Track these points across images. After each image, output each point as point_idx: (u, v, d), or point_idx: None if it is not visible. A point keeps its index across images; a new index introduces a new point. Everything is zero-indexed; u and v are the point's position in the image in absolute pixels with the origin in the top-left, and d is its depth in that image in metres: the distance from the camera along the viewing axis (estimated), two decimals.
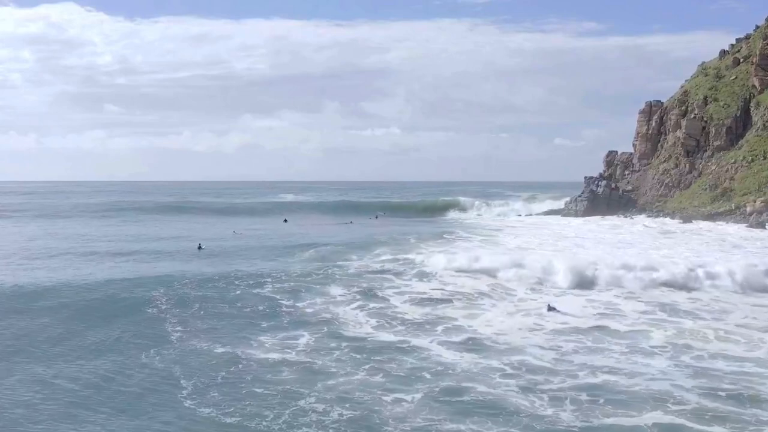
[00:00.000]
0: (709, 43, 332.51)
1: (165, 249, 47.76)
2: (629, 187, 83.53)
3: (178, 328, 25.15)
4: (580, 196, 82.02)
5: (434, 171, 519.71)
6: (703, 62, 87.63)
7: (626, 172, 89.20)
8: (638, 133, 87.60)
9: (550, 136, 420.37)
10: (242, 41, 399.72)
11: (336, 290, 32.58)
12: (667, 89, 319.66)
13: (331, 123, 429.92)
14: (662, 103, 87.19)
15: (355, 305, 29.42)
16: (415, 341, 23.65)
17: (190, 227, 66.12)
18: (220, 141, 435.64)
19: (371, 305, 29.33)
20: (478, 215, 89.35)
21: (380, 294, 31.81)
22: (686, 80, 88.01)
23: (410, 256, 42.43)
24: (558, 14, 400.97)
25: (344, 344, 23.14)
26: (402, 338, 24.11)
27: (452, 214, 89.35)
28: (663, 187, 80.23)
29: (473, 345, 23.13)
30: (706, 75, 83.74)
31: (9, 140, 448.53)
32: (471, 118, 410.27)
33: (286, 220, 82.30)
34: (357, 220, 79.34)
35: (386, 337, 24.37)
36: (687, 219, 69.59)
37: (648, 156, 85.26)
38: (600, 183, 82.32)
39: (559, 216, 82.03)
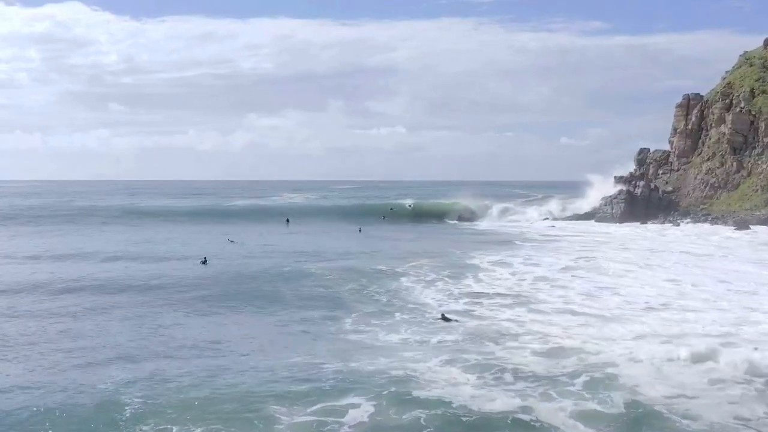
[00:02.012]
0: (714, 42, 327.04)
1: (165, 263, 40.05)
2: (669, 188, 76.22)
3: None
4: (615, 197, 74.55)
5: (439, 170, 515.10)
6: (746, 51, 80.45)
7: (660, 171, 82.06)
8: (675, 129, 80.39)
9: (555, 135, 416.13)
10: (248, 40, 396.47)
11: (408, 333, 24.74)
12: (672, 88, 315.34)
13: (335, 122, 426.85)
14: (702, 96, 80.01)
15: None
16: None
17: (186, 237, 58.10)
18: (226, 140, 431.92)
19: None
20: (510, 222, 78.28)
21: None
22: (727, 71, 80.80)
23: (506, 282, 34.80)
24: (563, 13, 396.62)
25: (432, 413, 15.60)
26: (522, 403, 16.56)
27: (477, 221, 79.19)
28: (708, 187, 73.00)
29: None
30: (751, 65, 76.55)
31: (14, 139, 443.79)
32: (476, 117, 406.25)
33: (288, 220, 76.12)
34: (365, 225, 71.54)
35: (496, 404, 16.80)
36: (742, 224, 62.43)
37: (688, 154, 78.03)
38: (638, 183, 74.94)
39: (593, 221, 74.55)
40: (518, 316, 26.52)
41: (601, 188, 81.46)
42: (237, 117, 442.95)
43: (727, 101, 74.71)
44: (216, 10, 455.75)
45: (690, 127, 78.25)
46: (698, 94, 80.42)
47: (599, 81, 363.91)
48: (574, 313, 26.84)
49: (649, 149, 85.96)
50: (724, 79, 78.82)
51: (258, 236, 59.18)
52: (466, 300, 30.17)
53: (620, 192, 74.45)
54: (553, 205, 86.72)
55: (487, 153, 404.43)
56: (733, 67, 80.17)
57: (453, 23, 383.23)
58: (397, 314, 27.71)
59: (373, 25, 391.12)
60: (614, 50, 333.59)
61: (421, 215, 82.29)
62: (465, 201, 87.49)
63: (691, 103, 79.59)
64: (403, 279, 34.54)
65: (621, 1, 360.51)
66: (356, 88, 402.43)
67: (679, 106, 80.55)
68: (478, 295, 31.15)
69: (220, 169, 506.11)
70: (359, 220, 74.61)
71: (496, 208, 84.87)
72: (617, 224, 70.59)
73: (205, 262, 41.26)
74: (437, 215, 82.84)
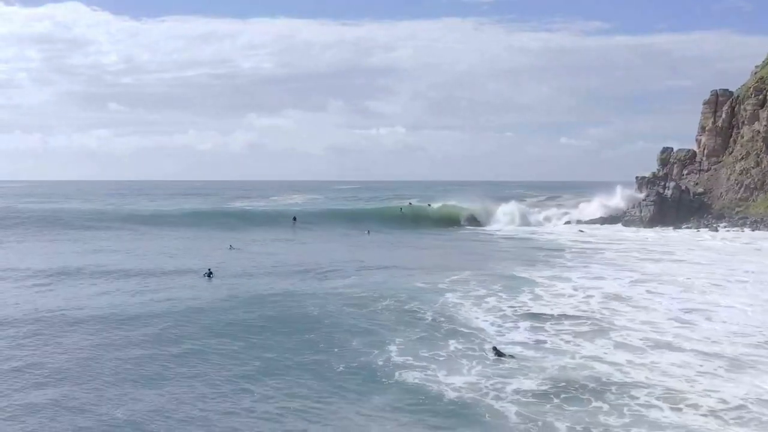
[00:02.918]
0: (715, 43, 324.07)
1: (167, 279, 34.63)
2: (700, 189, 71.43)
3: None
4: (644, 200, 69.73)
5: (439, 170, 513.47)
6: None
7: (685, 172, 77.32)
8: (703, 128, 75.62)
9: (556, 135, 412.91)
10: (248, 40, 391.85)
11: (473, 373, 19.91)
12: (673, 88, 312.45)
13: (336, 122, 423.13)
14: (731, 92, 75.34)
15: None
16: None
17: (187, 244, 52.40)
18: (226, 140, 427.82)
19: None
20: (532, 227, 71.96)
21: None
22: (756, 66, 76.15)
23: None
24: (563, 13, 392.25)
25: None
26: None
27: (492, 225, 73.56)
28: (742, 189, 68.26)
29: None
30: None
31: (14, 139, 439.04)
32: (476, 117, 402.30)
33: (295, 218, 71.82)
34: (371, 227, 66.50)
35: None
36: None
37: (718, 153, 73.31)
38: (668, 185, 70.13)
39: (620, 225, 69.76)
40: (605, 352, 21.38)
41: (621, 191, 76.92)
42: (237, 117, 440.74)
43: (760, 97, 70.05)
44: (216, 10, 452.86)
45: (719, 124, 73.55)
46: (727, 90, 75.75)
47: (599, 81, 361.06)
48: (673, 347, 21.73)
49: (672, 148, 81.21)
50: (755, 74, 74.13)
51: (262, 241, 53.99)
52: (528, 324, 25.22)
53: (649, 194, 69.62)
54: (569, 208, 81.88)
55: (487, 153, 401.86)
56: (763, 61, 75.51)
57: (453, 23, 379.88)
58: (450, 342, 22.84)
59: (373, 25, 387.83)
60: (614, 50, 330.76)
61: (423, 219, 75.63)
62: (473, 204, 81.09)
63: (719, 100, 74.91)
64: (449, 295, 29.45)
65: (621, 2, 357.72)
66: (356, 87, 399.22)
67: (706, 102, 75.85)
68: (541, 317, 26.18)
69: (220, 169, 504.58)
70: (365, 222, 69.48)
71: (509, 210, 78.24)
72: (648, 228, 65.82)
73: (209, 275, 36.19)
74: (447, 218, 76.54)
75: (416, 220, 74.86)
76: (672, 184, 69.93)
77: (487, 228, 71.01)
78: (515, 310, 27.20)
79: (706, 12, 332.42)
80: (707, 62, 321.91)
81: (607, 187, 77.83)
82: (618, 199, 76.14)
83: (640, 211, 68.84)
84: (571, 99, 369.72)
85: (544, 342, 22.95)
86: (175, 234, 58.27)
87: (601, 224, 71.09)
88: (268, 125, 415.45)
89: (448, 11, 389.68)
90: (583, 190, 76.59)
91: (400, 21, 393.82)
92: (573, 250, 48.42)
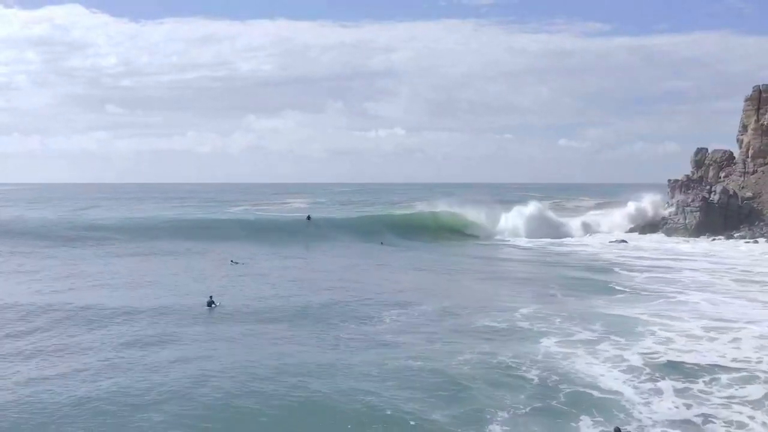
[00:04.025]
0: (715, 43, 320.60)
1: (161, 314, 26.43)
2: (748, 194, 64.40)
3: None
4: (688, 205, 62.61)
5: (438, 172, 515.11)
6: None
7: (722, 174, 70.42)
8: (745, 126, 68.78)
9: (555, 137, 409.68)
10: (248, 42, 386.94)
11: None
12: (673, 89, 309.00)
13: (335, 124, 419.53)
14: None
15: None
16: None
17: (180, 263, 43.40)
18: (225, 142, 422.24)
19: None
20: (560, 240, 62.42)
21: None
22: None
23: None
24: (563, 15, 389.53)
25: None
26: None
27: (511, 237, 64.65)
28: None
29: None
30: None
31: (13, 142, 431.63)
32: (475, 118, 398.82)
33: (309, 217, 66.71)
34: (384, 239, 58.99)
35: None
36: None
37: (765, 153, 66.45)
38: (714, 188, 63.05)
39: (661, 233, 62.63)
40: None
41: (650, 197, 70.20)
42: (236, 119, 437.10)
43: None
44: (215, 12, 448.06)
45: (765, 123, 66.69)
46: None
47: (599, 82, 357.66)
48: None
49: (707, 149, 74.46)
50: None
51: (271, 255, 46.22)
52: (671, 382, 17.99)
53: (694, 199, 62.49)
54: (590, 216, 74.52)
55: (487, 154, 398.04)
56: None
57: (453, 25, 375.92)
58: (581, 419, 15.60)
59: (373, 27, 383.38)
60: (614, 51, 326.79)
61: (430, 227, 66.10)
62: (478, 210, 71.58)
63: (762, 96, 68.04)
64: (546, 341, 21.84)
65: (621, 3, 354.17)
66: (356, 89, 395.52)
67: (748, 99, 69.01)
68: (684, 368, 18.95)
69: (220, 172, 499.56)
70: (376, 230, 62.11)
71: (523, 218, 68.40)
72: (695, 238, 58.79)
73: (211, 304, 28.56)
74: (453, 229, 66.37)
75: (423, 227, 66.19)
76: (719, 187, 62.91)
77: (505, 240, 62.72)
78: (645, 360, 19.75)
79: (706, 13, 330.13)
80: (707, 63, 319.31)
81: (615, 190, 70.87)
82: (647, 204, 69.35)
83: (684, 218, 61.72)
84: (570, 100, 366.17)
85: (711, 417, 15.80)
86: (170, 247, 49.45)
87: (640, 233, 63.92)
88: (267, 127, 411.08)
89: (448, 13, 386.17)
90: (583, 191, 69.34)
91: (399, 23, 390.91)
92: (635, 268, 41.26)
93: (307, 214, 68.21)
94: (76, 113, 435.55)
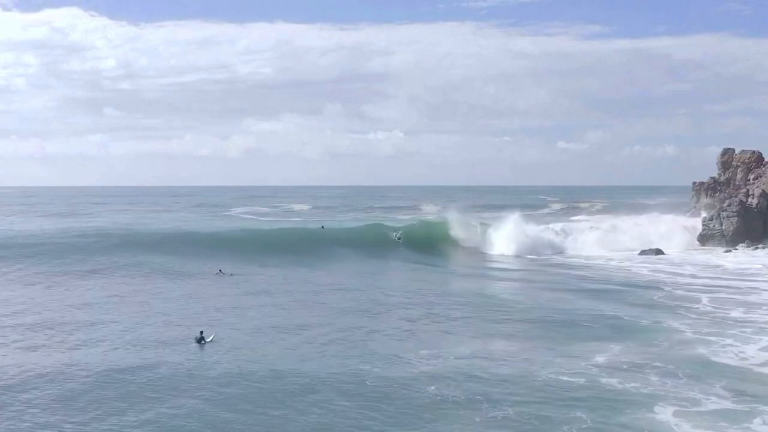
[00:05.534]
0: (713, 46, 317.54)
1: (145, 353, 20.18)
2: None
3: None
4: (724, 210, 57.28)
5: (438, 174, 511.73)
6: None
7: (751, 176, 65.37)
8: None
9: (554, 140, 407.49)
10: (246, 45, 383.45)
11: None
12: (672, 92, 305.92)
13: (334, 126, 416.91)
14: None
15: None
16: None
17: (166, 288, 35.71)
18: (224, 145, 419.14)
19: None
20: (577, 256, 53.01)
21: None
22: None
23: None
24: (562, 18, 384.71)
25: None
26: None
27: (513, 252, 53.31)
28: None
29: None
30: None
31: (11, 144, 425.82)
32: (474, 121, 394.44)
33: (323, 227, 61.93)
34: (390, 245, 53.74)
35: None
36: None
37: None
38: (752, 192, 57.81)
39: (695, 241, 57.28)
40: None
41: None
42: (234, 122, 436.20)
43: None
44: (214, 15, 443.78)
45: None
46: None
47: (598, 85, 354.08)
48: None
49: (733, 150, 69.61)
50: None
51: (275, 269, 40.32)
52: None
53: (730, 203, 57.15)
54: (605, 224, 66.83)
55: (485, 157, 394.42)
56: None
57: (451, 27, 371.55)
58: None
59: (372, 30, 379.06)
60: (613, 54, 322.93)
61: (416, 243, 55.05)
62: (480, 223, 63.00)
63: None
64: (658, 410, 16.01)
65: (620, 6, 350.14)
66: (354, 92, 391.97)
67: None
68: None
69: (218, 174, 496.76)
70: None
71: (530, 232, 58.27)
72: (733, 248, 53.43)
73: (201, 340, 22.84)
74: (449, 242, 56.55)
75: (428, 237, 58.58)
76: (758, 191, 57.60)
77: (525, 255, 53.94)
78: None
79: (704, 15, 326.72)
80: (706, 66, 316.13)
81: (619, 192, 65.05)
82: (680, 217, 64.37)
83: (721, 224, 56.30)
84: (569, 103, 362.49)
85: None
86: (163, 261, 41.94)
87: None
88: (265, 130, 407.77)
89: (447, 15, 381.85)
90: (581, 194, 63.57)
91: (398, 25, 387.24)
92: (693, 287, 35.36)
93: (321, 225, 64.14)
94: (74, 116, 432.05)
